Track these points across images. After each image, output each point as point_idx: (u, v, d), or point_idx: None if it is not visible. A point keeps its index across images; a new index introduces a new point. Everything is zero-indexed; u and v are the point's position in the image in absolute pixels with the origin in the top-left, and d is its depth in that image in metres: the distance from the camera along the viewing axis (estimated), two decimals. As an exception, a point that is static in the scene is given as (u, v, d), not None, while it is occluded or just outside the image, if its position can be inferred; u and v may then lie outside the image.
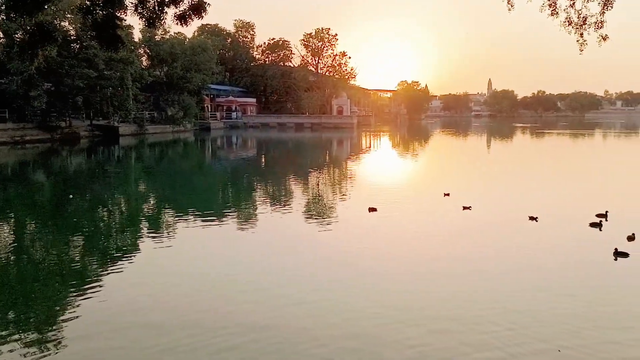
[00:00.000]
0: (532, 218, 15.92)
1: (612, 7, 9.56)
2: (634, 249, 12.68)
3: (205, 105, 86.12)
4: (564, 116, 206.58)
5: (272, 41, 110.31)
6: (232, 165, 37.12)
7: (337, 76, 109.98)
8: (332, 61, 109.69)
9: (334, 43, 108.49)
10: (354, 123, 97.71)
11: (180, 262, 12.15)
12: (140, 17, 16.22)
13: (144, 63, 71.86)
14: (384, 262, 11.97)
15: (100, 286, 10.39)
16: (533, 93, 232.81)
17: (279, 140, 65.84)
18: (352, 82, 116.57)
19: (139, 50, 69.20)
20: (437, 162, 39.61)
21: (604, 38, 9.89)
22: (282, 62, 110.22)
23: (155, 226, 16.39)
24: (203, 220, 16.73)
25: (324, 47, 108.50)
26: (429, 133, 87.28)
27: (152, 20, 16.21)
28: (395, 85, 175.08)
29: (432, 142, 64.94)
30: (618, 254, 12.18)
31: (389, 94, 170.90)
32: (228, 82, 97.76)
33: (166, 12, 16.48)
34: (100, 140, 54.11)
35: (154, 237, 14.63)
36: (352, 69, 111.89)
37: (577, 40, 10.17)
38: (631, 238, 13.59)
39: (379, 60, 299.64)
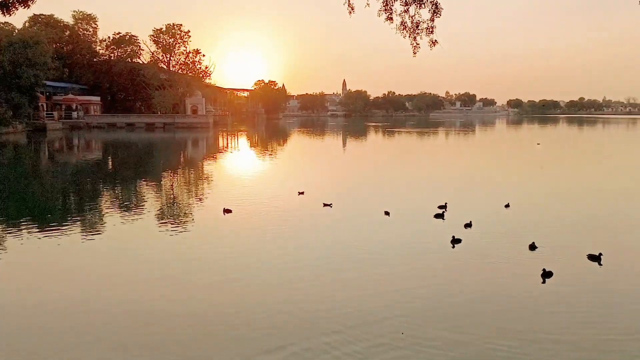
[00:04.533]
0: (386, 213, 16.93)
1: (440, 15, 10.43)
2: (469, 234, 14.15)
3: (40, 104, 77.31)
4: (411, 115, 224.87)
5: (118, 35, 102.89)
6: (73, 170, 33.69)
7: (191, 74, 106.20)
8: (185, 58, 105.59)
9: (186, 40, 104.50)
10: (210, 122, 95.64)
11: (10, 276, 10.72)
12: (-51, 4, 13.75)
13: (-38, 56, 62.32)
14: (239, 263, 11.76)
15: None
16: (384, 94, 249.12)
17: (128, 141, 61.63)
18: (207, 80, 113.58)
19: (-45, 41, 59.86)
20: (294, 162, 40.23)
21: (434, 43, 10.76)
22: (129, 58, 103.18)
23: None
24: (37, 231, 14.84)
25: (176, 43, 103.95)
26: (287, 132, 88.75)
27: (-36, 8, 13.86)
28: (252, 84, 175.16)
29: (289, 142, 66.04)
30: (454, 240, 13.43)
31: (246, 93, 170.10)
32: (67, 79, 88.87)
33: (-18, -1, 14.20)
34: None
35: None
36: (206, 67, 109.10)
37: (411, 44, 10.94)
38: (468, 225, 15.16)
39: (235, 59, 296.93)
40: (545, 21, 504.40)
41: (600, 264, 11.71)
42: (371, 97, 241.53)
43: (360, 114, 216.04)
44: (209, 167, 35.36)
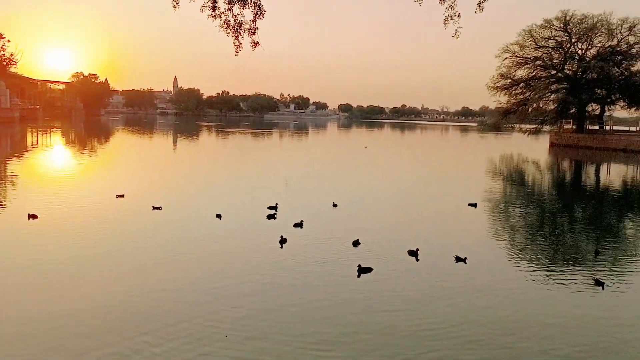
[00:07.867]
0: (218, 215, 16.63)
1: (263, 17, 10.45)
2: (298, 234, 14.59)
3: None
4: (246, 116, 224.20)
5: None
6: None
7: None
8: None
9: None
10: (16, 117, 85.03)
11: None
12: None
13: None
14: (46, 271, 10.73)
15: None
16: (218, 93, 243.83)
17: None
18: (12, 69, 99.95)
19: None
20: (115, 162, 37.07)
21: (256, 44, 10.76)
22: None
23: None
24: None
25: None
26: (109, 130, 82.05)
27: None
28: (69, 77, 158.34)
29: (111, 141, 61.09)
30: (282, 241, 13.73)
31: (61, 86, 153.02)
32: None
33: None
34: None
35: None
36: (12, 55, 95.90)
37: (234, 43, 10.79)
38: (298, 225, 15.65)
39: (50, 48, 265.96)
40: (372, 31, 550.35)
41: (417, 259, 12.66)
42: (204, 96, 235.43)
43: (192, 113, 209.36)
44: (11, 167, 30.82)
